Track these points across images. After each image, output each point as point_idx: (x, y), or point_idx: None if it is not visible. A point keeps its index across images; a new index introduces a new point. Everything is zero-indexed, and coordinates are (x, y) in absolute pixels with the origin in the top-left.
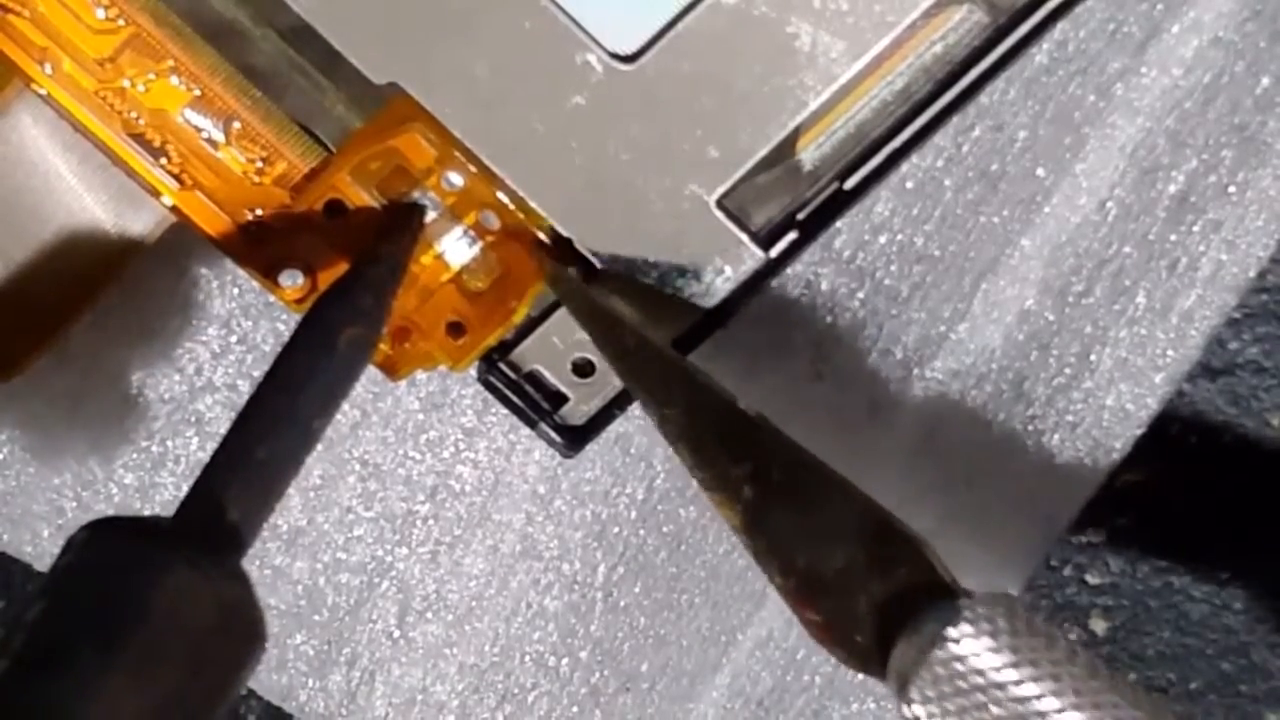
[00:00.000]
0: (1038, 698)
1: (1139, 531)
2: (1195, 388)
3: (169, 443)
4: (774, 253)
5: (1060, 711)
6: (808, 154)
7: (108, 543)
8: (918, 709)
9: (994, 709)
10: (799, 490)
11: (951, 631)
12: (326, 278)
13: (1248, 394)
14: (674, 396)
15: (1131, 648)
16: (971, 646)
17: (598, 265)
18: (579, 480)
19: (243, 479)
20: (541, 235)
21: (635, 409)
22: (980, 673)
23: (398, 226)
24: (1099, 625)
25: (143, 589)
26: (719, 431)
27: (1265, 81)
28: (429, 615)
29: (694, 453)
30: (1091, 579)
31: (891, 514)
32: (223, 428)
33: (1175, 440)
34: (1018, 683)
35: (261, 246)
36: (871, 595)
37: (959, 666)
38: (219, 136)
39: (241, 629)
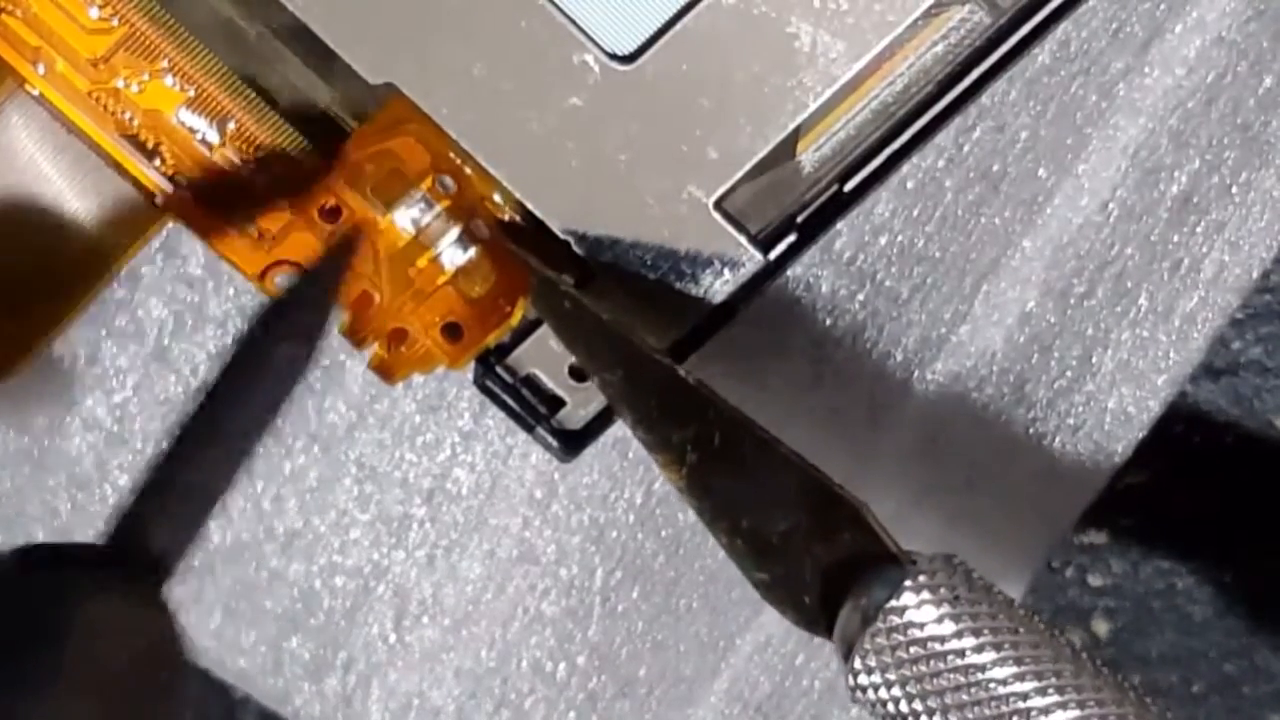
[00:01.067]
0: (982, 665)
1: (1141, 533)
2: (1198, 388)
3: (164, 444)
4: (773, 255)
5: (1004, 681)
6: (807, 155)
7: (26, 569)
8: (863, 678)
9: (938, 678)
10: (740, 456)
11: (894, 601)
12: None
13: (1251, 394)
14: (612, 362)
15: (1134, 650)
16: (914, 616)
17: (594, 268)
18: (576, 485)
19: (170, 504)
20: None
21: None
22: (923, 642)
23: (334, 248)
24: (1101, 627)
25: (58, 617)
26: (659, 397)
27: (1268, 81)
28: (425, 620)
29: (635, 416)
30: (1094, 581)
31: (832, 480)
32: None
33: (1178, 441)
34: (961, 651)
35: (255, 248)
36: (816, 559)
37: (900, 637)
38: (213, 137)
39: (161, 659)
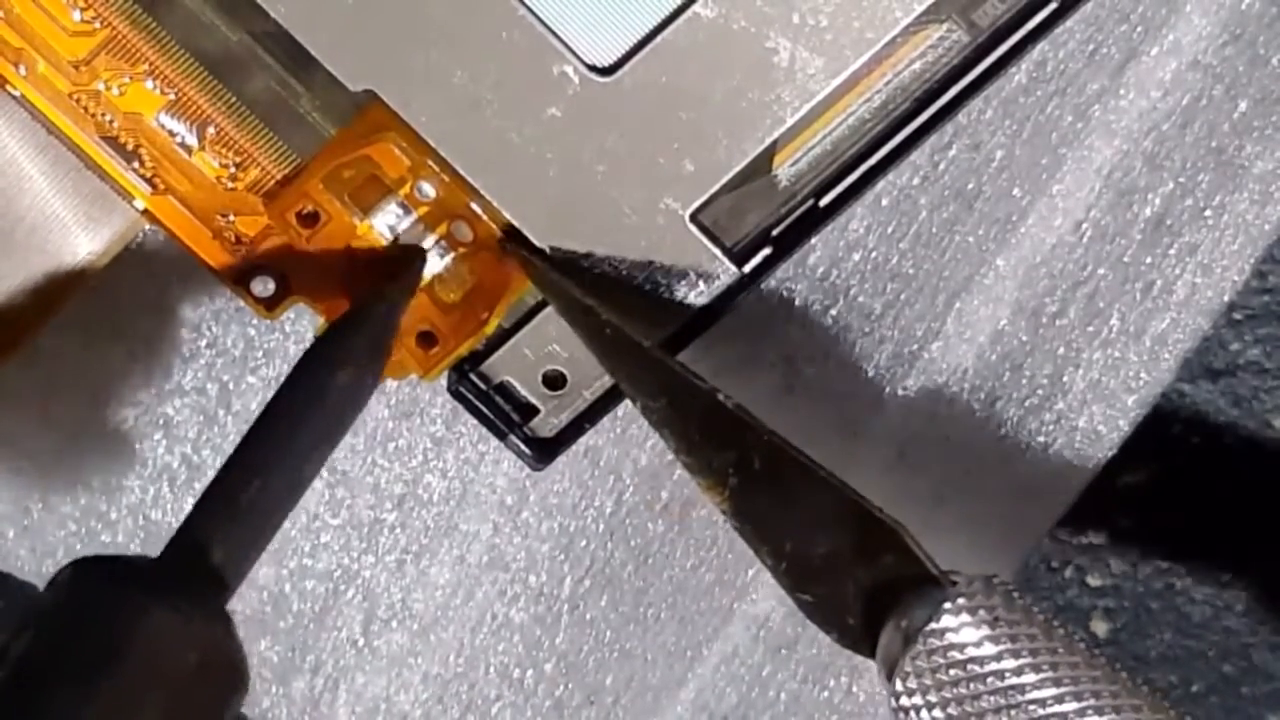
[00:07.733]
0: (1023, 686)
1: (1140, 533)
2: (1197, 389)
3: (136, 446)
4: (748, 269)
5: (1045, 701)
6: (784, 170)
7: (89, 582)
8: (905, 699)
9: (980, 699)
10: (780, 479)
11: (934, 623)
12: (298, 285)
13: (1249, 395)
14: (654, 389)
15: (1133, 650)
16: (955, 637)
17: (570, 276)
18: (547, 492)
19: (229, 521)
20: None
21: (605, 422)
22: (964, 663)
23: (400, 268)
24: (1100, 627)
25: (121, 631)
26: (700, 422)
27: (1243, 105)
28: (394, 624)
29: (678, 441)
30: (1093, 581)
31: (872, 504)
32: (190, 432)
33: (1177, 441)
34: (1001, 671)
35: (233, 252)
36: (858, 581)
37: (941, 658)
38: (193, 141)
39: (221, 672)
